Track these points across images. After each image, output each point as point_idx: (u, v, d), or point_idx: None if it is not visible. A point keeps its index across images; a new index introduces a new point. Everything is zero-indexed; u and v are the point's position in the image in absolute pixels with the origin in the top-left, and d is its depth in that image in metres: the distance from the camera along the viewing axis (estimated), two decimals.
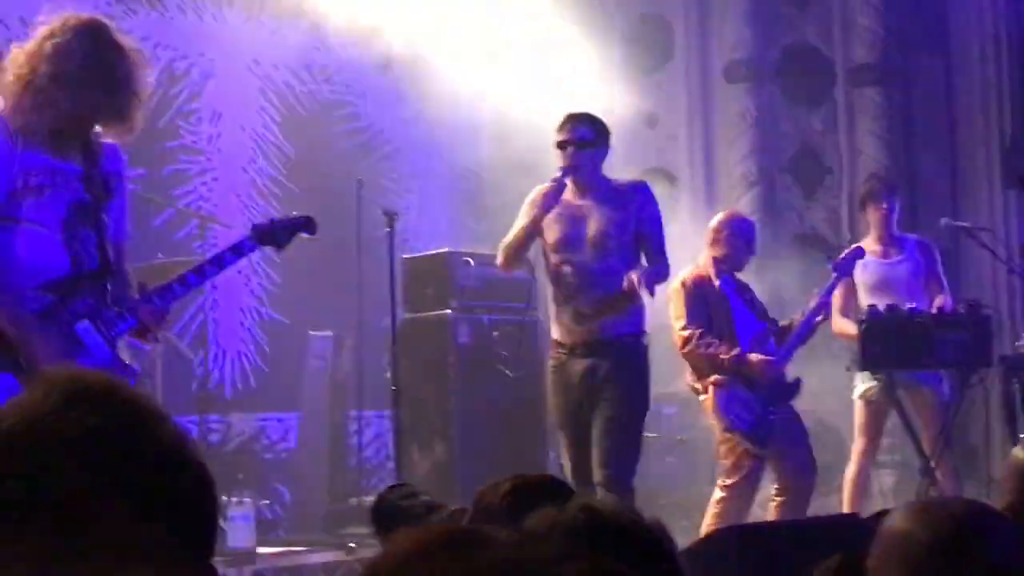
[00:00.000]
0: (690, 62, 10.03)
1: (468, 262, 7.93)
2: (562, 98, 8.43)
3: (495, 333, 7.85)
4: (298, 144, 9.25)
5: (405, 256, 8.00)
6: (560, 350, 6.19)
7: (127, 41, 4.35)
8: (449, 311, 7.79)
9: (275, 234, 4.63)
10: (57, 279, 4.17)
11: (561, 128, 6.19)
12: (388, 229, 6.68)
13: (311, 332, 8.32)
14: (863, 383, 7.38)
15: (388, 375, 7.10)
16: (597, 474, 5.97)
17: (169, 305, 4.42)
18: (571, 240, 6.13)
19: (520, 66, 8.99)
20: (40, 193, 4.14)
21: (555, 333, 6.22)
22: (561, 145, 6.14)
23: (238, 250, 4.54)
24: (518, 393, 7.82)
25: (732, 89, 9.84)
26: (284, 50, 9.22)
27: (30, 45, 4.18)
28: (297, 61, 9.33)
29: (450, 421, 7.69)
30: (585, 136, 6.13)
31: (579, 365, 6.10)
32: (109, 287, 4.30)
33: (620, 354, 6.09)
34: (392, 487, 2.95)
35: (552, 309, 6.25)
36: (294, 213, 4.85)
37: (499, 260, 6.27)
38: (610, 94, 8.83)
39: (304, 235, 4.73)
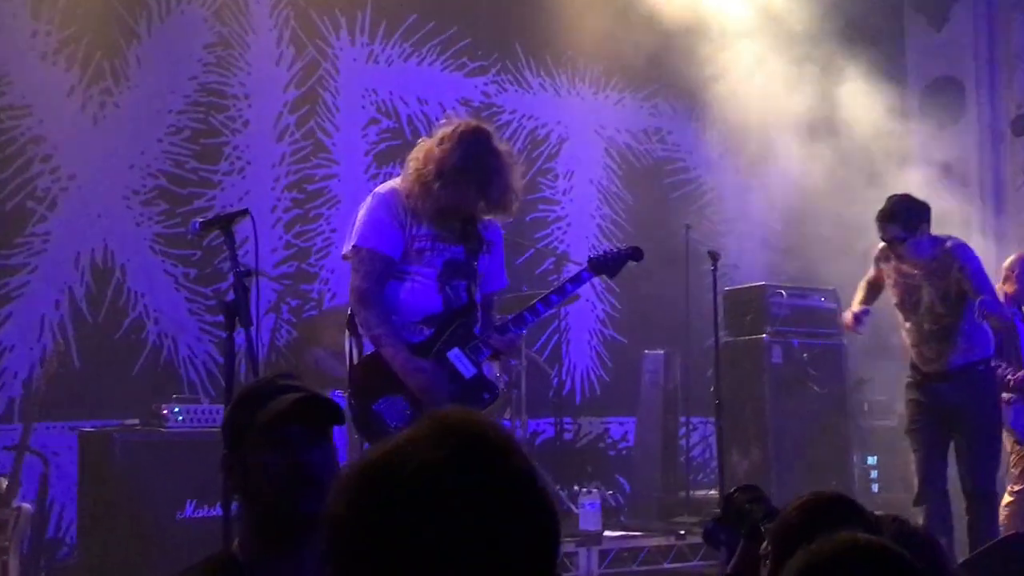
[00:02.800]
0: (981, 117, 9.61)
1: (781, 294, 7.78)
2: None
3: (804, 355, 7.67)
4: (636, 194, 9.28)
5: (727, 288, 7.93)
6: (915, 373, 6.04)
7: (503, 146, 4.36)
8: (764, 335, 7.66)
9: (607, 264, 4.59)
10: (432, 315, 4.31)
11: (878, 226, 5.91)
12: (712, 267, 6.62)
13: (646, 351, 8.32)
14: None
15: (712, 388, 7.01)
16: (966, 483, 5.82)
17: (521, 332, 4.45)
18: (906, 304, 6.01)
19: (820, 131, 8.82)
20: (420, 255, 4.30)
21: (911, 359, 6.08)
22: (883, 239, 5.94)
23: (577, 280, 4.53)
24: (824, 407, 7.65)
25: (1019, 140, 9.37)
26: (625, 117, 9.30)
27: (428, 143, 4.31)
28: (636, 126, 9.38)
29: (765, 429, 7.55)
30: (896, 236, 5.85)
31: (933, 388, 5.94)
32: (476, 321, 4.39)
33: (970, 380, 5.89)
34: (742, 488, 2.89)
35: (904, 338, 6.11)
36: (622, 245, 4.78)
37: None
38: (908, 147, 8.57)
39: (632, 263, 4.66)
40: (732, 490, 2.89)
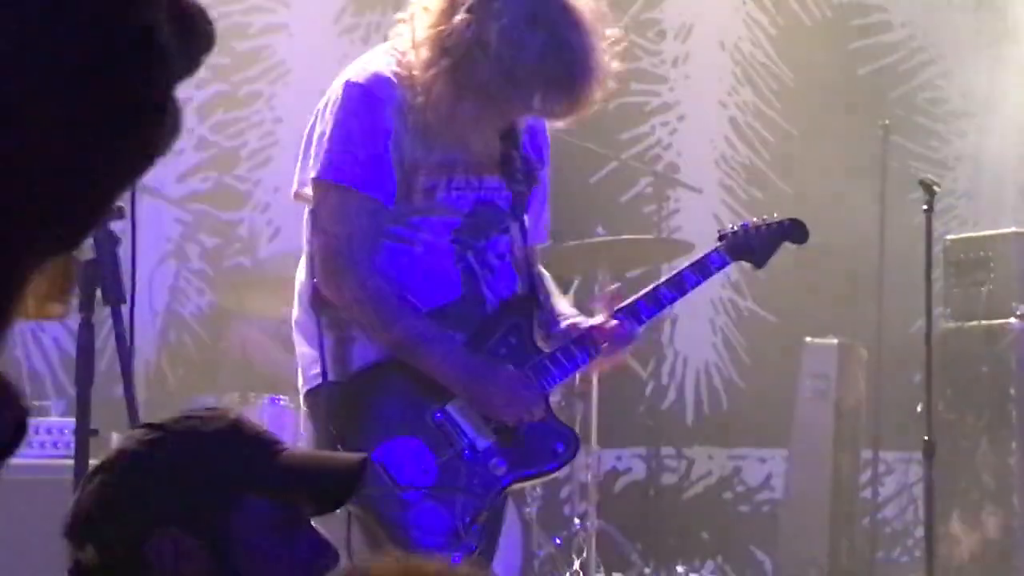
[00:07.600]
0: None
1: None
2: None
3: None
4: (798, 67, 9.29)
5: (950, 237, 7.92)
6: None
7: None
8: (1014, 320, 7.63)
9: (751, 246, 4.82)
10: (443, 307, 4.30)
11: None
12: (926, 207, 6.51)
13: (808, 339, 8.32)
14: None
15: (919, 406, 7.04)
16: None
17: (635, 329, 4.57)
18: None
19: None
20: (429, 196, 4.25)
21: None
22: None
23: (703, 268, 4.71)
24: None
25: None
26: None
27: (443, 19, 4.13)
28: None
29: (1010, 480, 7.54)
30: None
31: None
32: (536, 318, 4.46)
33: None
34: None
35: None
36: (774, 216, 4.98)
37: None
38: None
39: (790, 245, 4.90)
40: None
